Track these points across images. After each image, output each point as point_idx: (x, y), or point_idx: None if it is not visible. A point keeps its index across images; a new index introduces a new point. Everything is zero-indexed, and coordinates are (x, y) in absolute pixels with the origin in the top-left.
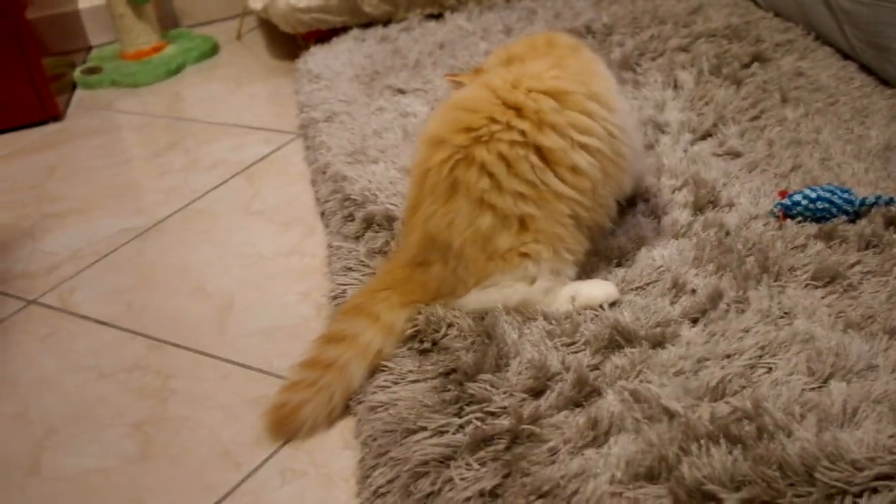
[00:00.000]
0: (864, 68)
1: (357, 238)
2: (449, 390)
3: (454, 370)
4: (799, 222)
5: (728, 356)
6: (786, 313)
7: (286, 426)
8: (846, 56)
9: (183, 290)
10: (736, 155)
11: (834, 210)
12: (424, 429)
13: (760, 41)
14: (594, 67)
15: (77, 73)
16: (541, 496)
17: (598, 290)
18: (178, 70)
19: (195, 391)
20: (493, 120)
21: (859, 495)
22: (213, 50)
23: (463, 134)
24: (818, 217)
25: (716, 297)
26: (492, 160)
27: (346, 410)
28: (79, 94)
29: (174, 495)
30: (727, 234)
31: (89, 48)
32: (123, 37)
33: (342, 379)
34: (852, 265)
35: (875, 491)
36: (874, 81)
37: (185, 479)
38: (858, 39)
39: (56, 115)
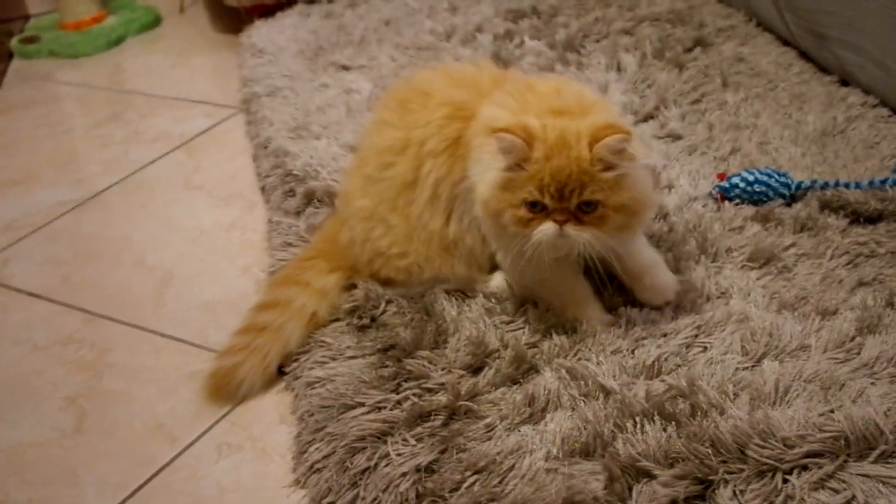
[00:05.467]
0: (803, 55)
1: (297, 213)
2: (387, 366)
3: (392, 346)
4: (737, 204)
5: (665, 335)
6: (722, 293)
7: (223, 390)
8: (786, 43)
9: (121, 263)
10: (676, 137)
11: (771, 193)
12: (362, 405)
13: (703, 26)
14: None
15: (14, 43)
16: (477, 472)
17: None
18: (118, 41)
19: (131, 365)
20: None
21: (790, 472)
22: (156, 21)
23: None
24: (755, 200)
25: None
26: (382, 148)
27: (284, 381)
28: (16, 63)
29: (109, 468)
30: (667, 215)
31: (27, 17)
32: (63, 6)
33: (277, 339)
34: (787, 247)
35: (805, 468)
36: (812, 68)
37: (121, 453)
38: (798, 26)
39: None
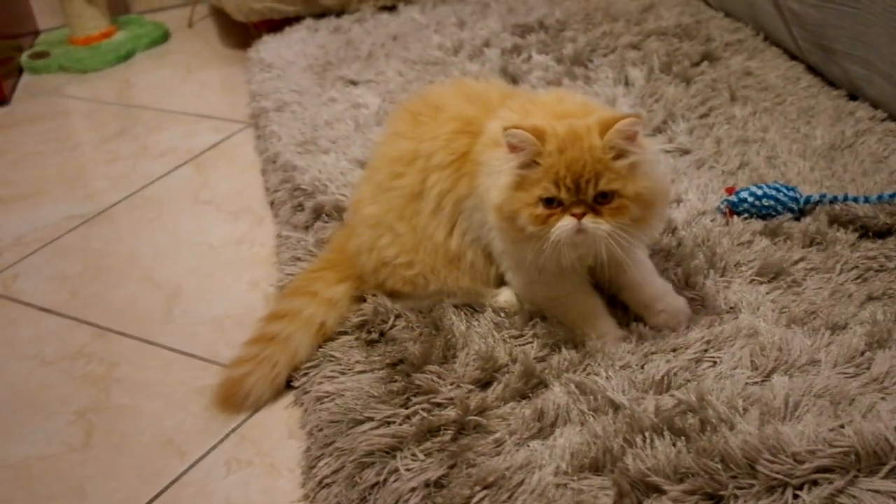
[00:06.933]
0: (811, 69)
1: (306, 228)
2: (396, 381)
3: (401, 361)
4: (745, 219)
5: (674, 350)
6: (731, 308)
7: (231, 400)
8: (794, 57)
9: (129, 277)
10: (685, 152)
11: (779, 207)
12: (371, 419)
13: (710, 40)
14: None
15: (24, 58)
16: (486, 487)
17: None
18: (127, 56)
19: (140, 379)
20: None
21: (800, 488)
22: (164, 37)
23: (406, 120)
24: (764, 214)
25: None
26: (393, 158)
27: (293, 396)
28: (26, 78)
29: (117, 483)
30: (675, 229)
31: (37, 32)
32: (72, 21)
33: (286, 349)
34: (796, 262)
35: (815, 483)
36: (820, 82)
37: (129, 468)
38: (806, 41)
39: (2, 100)
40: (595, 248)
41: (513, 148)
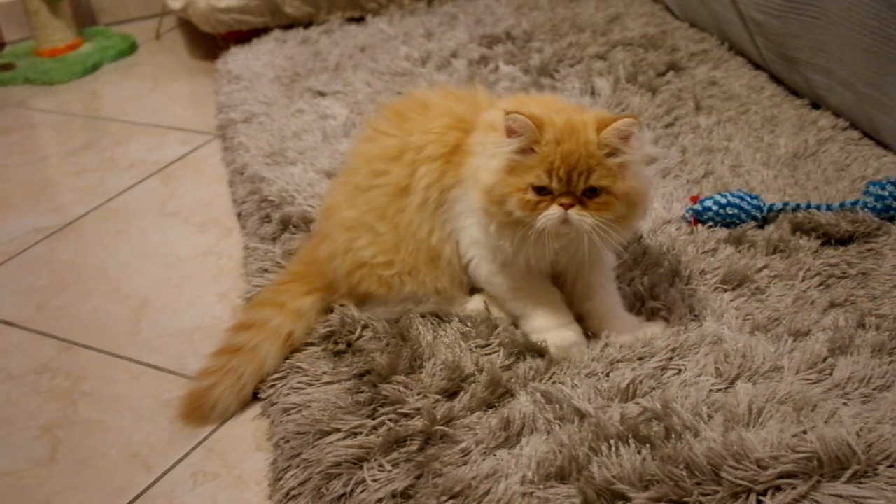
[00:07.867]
0: (775, 78)
1: (274, 239)
2: (363, 392)
3: (368, 372)
4: (710, 227)
5: (640, 358)
6: (695, 316)
7: (197, 412)
8: (758, 66)
9: (97, 290)
10: (650, 161)
11: (743, 216)
12: (338, 430)
13: (676, 50)
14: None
15: None
16: (452, 497)
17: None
18: (94, 68)
19: (106, 393)
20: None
21: (763, 493)
22: (131, 48)
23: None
24: (728, 222)
25: (629, 300)
26: (375, 156)
27: (260, 408)
28: None
29: (84, 498)
30: (640, 238)
31: (2, 45)
32: (38, 33)
33: (252, 360)
34: (760, 269)
35: (779, 489)
36: (784, 91)
37: (95, 482)
38: (769, 50)
39: None
40: (577, 240)
41: (511, 132)
